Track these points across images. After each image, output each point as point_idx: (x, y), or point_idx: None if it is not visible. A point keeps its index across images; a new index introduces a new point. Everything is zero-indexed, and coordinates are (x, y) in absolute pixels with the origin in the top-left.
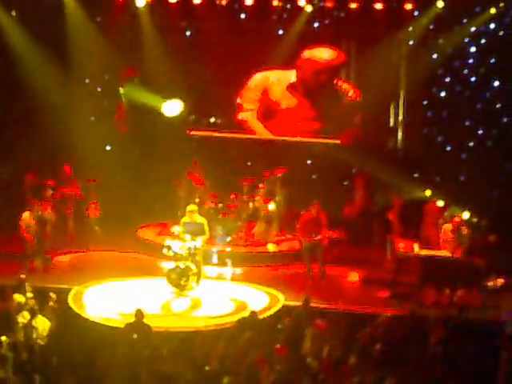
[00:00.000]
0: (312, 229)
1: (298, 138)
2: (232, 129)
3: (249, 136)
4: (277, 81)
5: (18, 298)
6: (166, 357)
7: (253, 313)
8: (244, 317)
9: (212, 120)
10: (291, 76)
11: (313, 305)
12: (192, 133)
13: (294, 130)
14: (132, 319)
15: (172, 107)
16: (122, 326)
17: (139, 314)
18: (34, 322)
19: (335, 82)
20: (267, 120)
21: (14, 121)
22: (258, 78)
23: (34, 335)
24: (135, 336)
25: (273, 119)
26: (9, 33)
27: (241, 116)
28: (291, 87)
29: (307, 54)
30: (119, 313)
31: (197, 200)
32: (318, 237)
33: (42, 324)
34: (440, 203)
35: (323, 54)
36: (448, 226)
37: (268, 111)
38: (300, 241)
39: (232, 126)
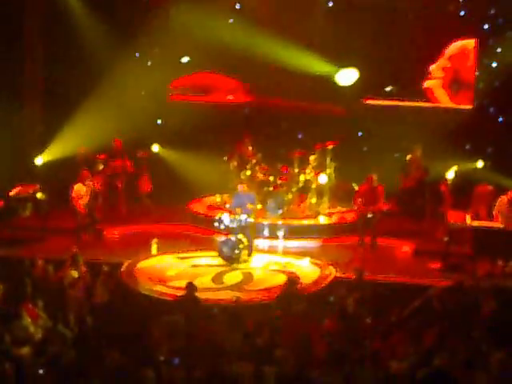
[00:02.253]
0: (369, 200)
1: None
2: (410, 98)
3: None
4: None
5: (72, 272)
6: (219, 329)
7: (290, 280)
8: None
9: (388, 89)
10: None
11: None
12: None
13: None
14: (183, 293)
15: (347, 76)
16: (174, 299)
17: (191, 287)
18: None
19: None
20: (453, 90)
21: (65, 96)
22: (456, 46)
23: None
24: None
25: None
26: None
27: (427, 84)
28: None
29: None
30: (171, 286)
31: (248, 173)
32: (373, 208)
33: None
34: (491, 186)
35: None
36: (503, 199)
37: (456, 80)
38: (356, 212)
39: (409, 94)
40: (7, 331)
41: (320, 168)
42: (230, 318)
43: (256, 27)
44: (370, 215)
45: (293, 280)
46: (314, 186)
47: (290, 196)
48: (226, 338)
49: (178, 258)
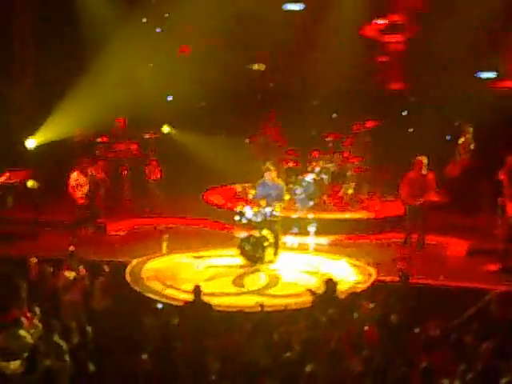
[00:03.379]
0: (417, 190)
1: None
2: None
3: None
4: None
5: (68, 274)
6: (239, 342)
7: (329, 281)
8: (322, 290)
9: None
10: None
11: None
12: None
13: None
14: (192, 298)
15: None
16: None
17: (197, 291)
18: None
19: None
20: None
21: (63, 68)
22: None
23: None
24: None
25: None
26: None
27: None
28: None
29: None
30: (185, 290)
31: (274, 158)
32: (422, 200)
33: None
34: None
35: None
36: None
37: None
38: (403, 204)
39: None
40: None
41: (358, 152)
42: (252, 329)
43: None
44: (418, 208)
45: (331, 282)
46: (350, 173)
47: (322, 185)
48: (248, 351)
49: (193, 257)
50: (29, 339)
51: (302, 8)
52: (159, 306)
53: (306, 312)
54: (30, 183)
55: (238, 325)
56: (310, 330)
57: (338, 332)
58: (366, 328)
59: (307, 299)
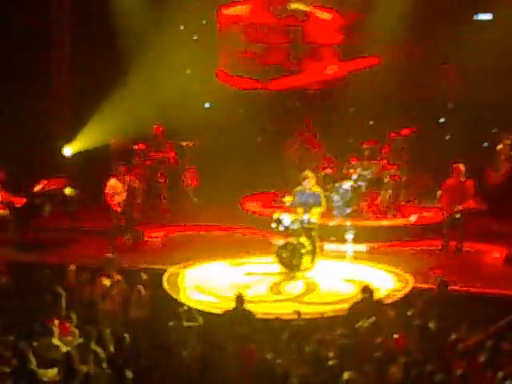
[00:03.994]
0: (456, 197)
1: None
2: None
3: None
4: None
5: (106, 281)
6: (276, 349)
7: (366, 289)
8: (359, 298)
9: None
10: None
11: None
12: None
13: None
14: (232, 305)
15: None
16: (222, 313)
17: (239, 299)
18: None
19: None
20: None
21: (99, 75)
22: None
23: None
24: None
25: None
26: None
27: None
28: None
29: None
30: (222, 297)
31: (311, 165)
32: (461, 207)
33: None
34: None
35: None
36: None
37: None
38: (441, 211)
39: None
40: (33, 350)
41: (395, 160)
42: (288, 336)
43: None
44: (457, 215)
45: (368, 289)
46: (387, 180)
47: (360, 192)
48: (284, 359)
49: (230, 264)
50: (62, 347)
51: (490, 18)
52: (185, 308)
53: (343, 319)
54: (68, 191)
55: (274, 332)
56: (346, 338)
57: (375, 339)
58: (396, 336)
59: (344, 307)
